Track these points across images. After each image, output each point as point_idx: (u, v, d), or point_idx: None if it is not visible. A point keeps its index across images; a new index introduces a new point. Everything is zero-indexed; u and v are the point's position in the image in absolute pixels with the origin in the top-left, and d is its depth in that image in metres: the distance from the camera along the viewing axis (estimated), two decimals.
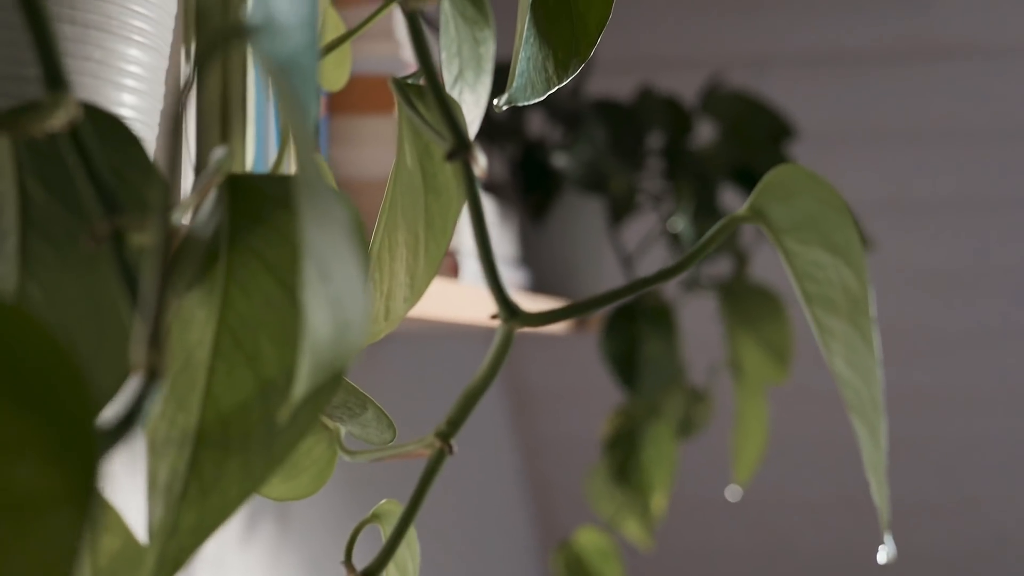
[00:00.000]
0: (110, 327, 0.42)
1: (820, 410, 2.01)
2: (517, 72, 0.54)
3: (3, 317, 0.27)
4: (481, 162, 0.44)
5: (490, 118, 1.59)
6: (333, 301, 0.36)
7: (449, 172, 0.51)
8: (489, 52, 0.75)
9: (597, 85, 1.69)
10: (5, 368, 0.27)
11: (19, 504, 0.26)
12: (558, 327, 1.46)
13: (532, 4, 0.57)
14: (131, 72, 0.52)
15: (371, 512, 0.53)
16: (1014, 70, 2.05)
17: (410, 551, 0.52)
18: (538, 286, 1.54)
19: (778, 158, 1.67)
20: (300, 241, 0.35)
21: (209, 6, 0.77)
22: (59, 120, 0.38)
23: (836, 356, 0.44)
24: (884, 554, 0.42)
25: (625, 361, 1.50)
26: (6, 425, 0.26)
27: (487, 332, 1.62)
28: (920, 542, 2.13)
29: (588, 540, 1.57)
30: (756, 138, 1.68)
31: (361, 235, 0.33)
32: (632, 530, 1.62)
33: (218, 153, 0.43)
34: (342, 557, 0.52)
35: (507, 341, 0.46)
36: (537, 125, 1.72)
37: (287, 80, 0.33)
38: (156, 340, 0.34)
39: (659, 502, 1.58)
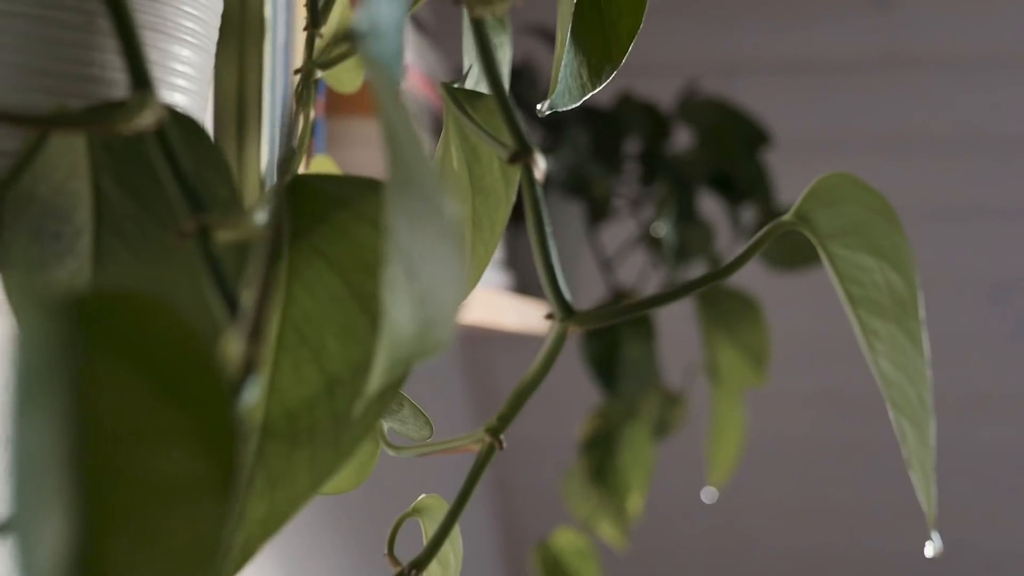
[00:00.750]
0: None
1: (794, 413, 2.04)
2: (559, 79, 0.55)
3: (149, 313, 0.28)
4: (541, 165, 0.45)
5: None
6: (419, 299, 0.37)
7: (497, 174, 0.52)
8: (506, 56, 0.76)
9: None
10: (151, 361, 0.28)
11: (165, 489, 0.27)
12: (534, 328, 1.47)
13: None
14: (183, 72, 0.53)
15: (412, 506, 0.55)
16: (982, 80, 2.09)
17: (452, 545, 0.53)
18: (522, 288, 1.56)
19: (754, 165, 1.69)
20: (388, 240, 0.36)
21: (229, 7, 0.78)
22: (147, 120, 0.39)
23: (881, 357, 0.46)
24: (931, 549, 0.43)
25: (606, 363, 1.51)
26: (152, 415, 0.28)
27: (476, 332, 1.63)
28: (882, 545, 2.15)
29: (566, 541, 1.59)
30: (733, 145, 1.71)
31: (458, 233, 0.35)
32: (607, 531, 1.63)
33: (284, 156, 0.44)
34: (383, 549, 0.54)
35: (560, 340, 0.47)
36: None
37: (387, 79, 0.34)
38: (256, 333, 0.35)
39: (636, 503, 1.60)
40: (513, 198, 0.52)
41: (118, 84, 0.50)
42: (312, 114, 0.71)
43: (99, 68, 0.49)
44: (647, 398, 1.59)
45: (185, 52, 0.53)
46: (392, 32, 0.36)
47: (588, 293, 1.76)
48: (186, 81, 0.53)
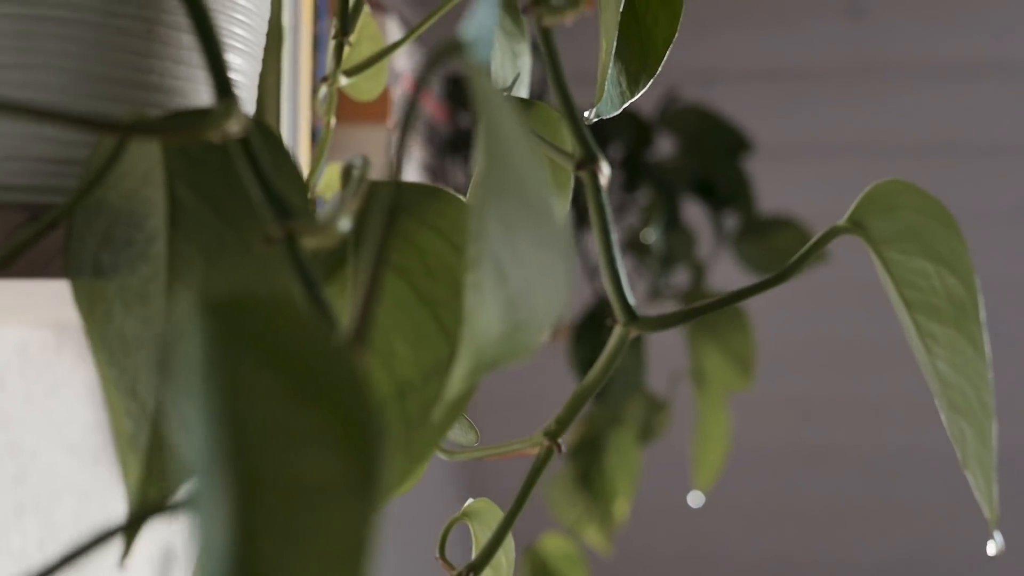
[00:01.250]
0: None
1: (779, 418, 2.05)
2: (606, 86, 0.56)
3: (287, 316, 0.28)
4: (606, 172, 0.46)
5: (455, 129, 1.61)
6: (508, 302, 0.38)
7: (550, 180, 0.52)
8: (526, 64, 0.77)
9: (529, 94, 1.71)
10: (291, 363, 0.28)
11: (310, 491, 0.28)
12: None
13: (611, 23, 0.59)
14: (234, 81, 0.53)
15: (461, 510, 0.55)
16: (954, 87, 2.11)
17: (504, 550, 0.54)
18: None
19: (735, 171, 1.71)
20: (478, 244, 0.37)
21: None
22: (234, 127, 0.39)
23: (939, 360, 0.47)
24: (993, 547, 0.44)
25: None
26: (297, 417, 0.28)
27: None
28: (854, 548, 2.17)
29: (554, 545, 1.59)
30: (714, 152, 1.72)
31: (564, 238, 0.35)
32: (592, 536, 1.64)
33: (358, 161, 0.44)
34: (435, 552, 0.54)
35: (622, 344, 0.48)
36: None
37: (491, 85, 0.35)
38: (362, 335, 0.35)
39: (622, 508, 1.61)
40: (567, 205, 0.52)
41: (176, 92, 0.50)
42: (333, 121, 0.71)
43: (158, 76, 0.49)
44: (633, 404, 1.60)
45: (236, 60, 0.54)
46: (488, 39, 0.36)
47: (573, 299, 1.77)
48: (237, 89, 0.54)
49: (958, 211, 2.12)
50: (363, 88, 0.79)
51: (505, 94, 0.34)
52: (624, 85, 0.59)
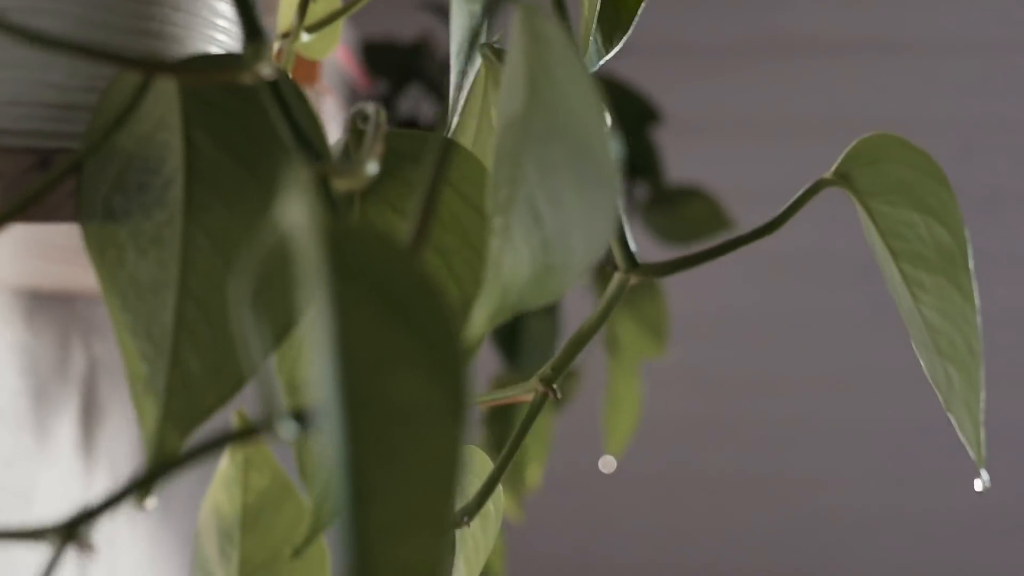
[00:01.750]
0: (277, 272, 0.44)
1: (689, 388, 2.08)
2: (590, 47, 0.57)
3: (383, 245, 0.29)
4: (607, 121, 0.47)
5: (373, 95, 1.61)
6: (542, 244, 0.39)
7: None
8: (482, 28, 0.78)
9: None
10: (394, 295, 0.29)
11: (408, 413, 0.29)
12: None
13: None
14: (223, 27, 0.53)
15: None
16: (859, 65, 2.15)
17: (493, 498, 0.55)
18: None
19: (644, 141, 1.73)
20: (510, 188, 0.38)
21: None
22: (266, 70, 0.40)
23: (926, 307, 0.49)
24: (980, 484, 0.46)
25: (510, 335, 1.53)
26: (397, 344, 0.29)
27: None
28: (759, 518, 2.22)
29: None
30: (623, 121, 1.74)
31: (613, 179, 0.36)
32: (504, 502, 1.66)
33: (369, 109, 0.45)
34: None
35: (621, 290, 0.49)
36: (409, 104, 1.74)
37: (540, 20, 0.36)
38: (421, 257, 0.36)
39: (534, 474, 1.63)
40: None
41: (174, 39, 0.50)
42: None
43: (158, 23, 0.49)
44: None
45: (223, 6, 0.54)
46: None
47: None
48: (225, 36, 0.54)
49: None
50: (316, 47, 0.79)
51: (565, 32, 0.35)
52: (600, 43, 0.60)
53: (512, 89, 0.37)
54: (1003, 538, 2.21)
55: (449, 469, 0.29)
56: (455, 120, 0.55)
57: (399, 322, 0.29)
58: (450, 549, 0.29)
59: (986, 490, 2.18)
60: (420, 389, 0.29)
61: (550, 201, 0.38)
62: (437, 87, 1.66)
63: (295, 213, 0.26)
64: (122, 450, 1.37)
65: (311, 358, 0.28)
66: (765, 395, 2.19)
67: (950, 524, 2.21)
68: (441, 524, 0.28)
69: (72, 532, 0.33)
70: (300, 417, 0.34)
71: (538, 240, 0.39)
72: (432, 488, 0.28)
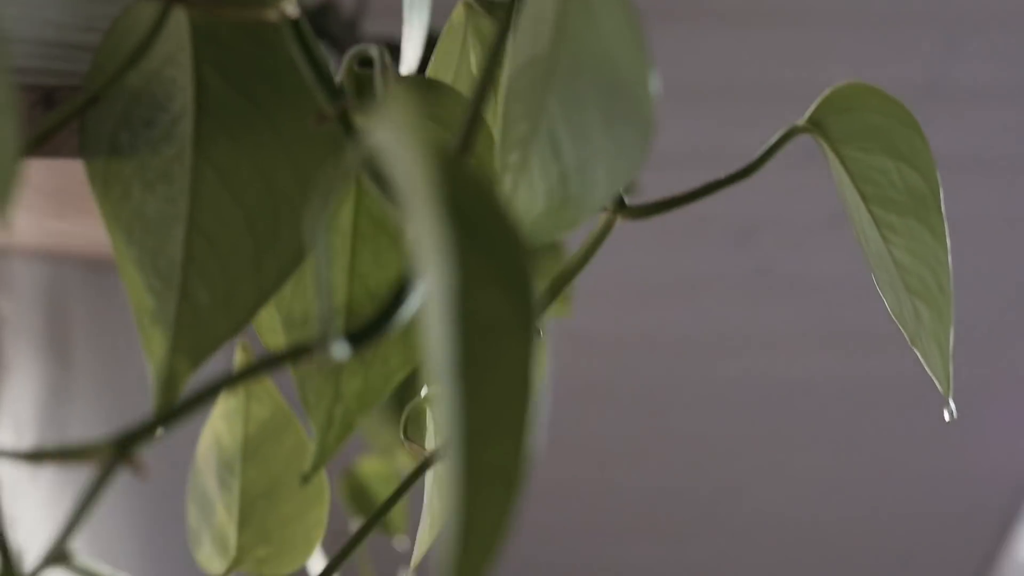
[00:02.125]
0: (284, 210, 0.45)
1: (594, 352, 2.11)
2: None
3: (471, 176, 0.30)
4: None
5: None
6: (560, 176, 0.40)
7: None
8: None
9: (376, 26, 1.72)
10: (476, 217, 0.30)
11: (489, 326, 0.30)
12: None
13: None
14: None
15: (423, 395, 0.57)
16: (745, 32, 2.19)
17: None
18: None
19: None
20: (526, 122, 0.39)
21: None
22: (290, 8, 0.41)
23: (896, 248, 0.51)
24: (947, 415, 0.49)
25: None
26: (479, 263, 0.30)
27: None
28: (662, 481, 2.26)
29: (371, 468, 1.62)
30: None
31: (647, 113, 0.37)
32: (406, 459, 1.67)
33: (374, 51, 0.46)
34: None
35: (607, 229, 0.51)
36: None
37: None
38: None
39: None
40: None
41: None
42: None
43: None
44: None
45: None
46: None
47: None
48: None
49: (731, 152, 2.21)
50: None
51: None
52: None
53: (536, 25, 0.39)
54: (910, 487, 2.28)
55: (524, 380, 0.30)
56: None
57: (483, 244, 0.30)
58: (529, 458, 0.30)
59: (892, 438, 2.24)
60: (498, 305, 0.30)
61: (573, 136, 0.39)
62: (342, 47, 1.66)
63: (396, 134, 0.27)
64: (27, 410, 1.36)
65: (417, 273, 0.29)
66: (650, 357, 2.23)
67: (836, 481, 2.28)
68: (519, 433, 0.30)
69: (123, 450, 0.34)
70: (354, 338, 0.35)
71: (556, 173, 0.40)
72: (515, 400, 0.30)
